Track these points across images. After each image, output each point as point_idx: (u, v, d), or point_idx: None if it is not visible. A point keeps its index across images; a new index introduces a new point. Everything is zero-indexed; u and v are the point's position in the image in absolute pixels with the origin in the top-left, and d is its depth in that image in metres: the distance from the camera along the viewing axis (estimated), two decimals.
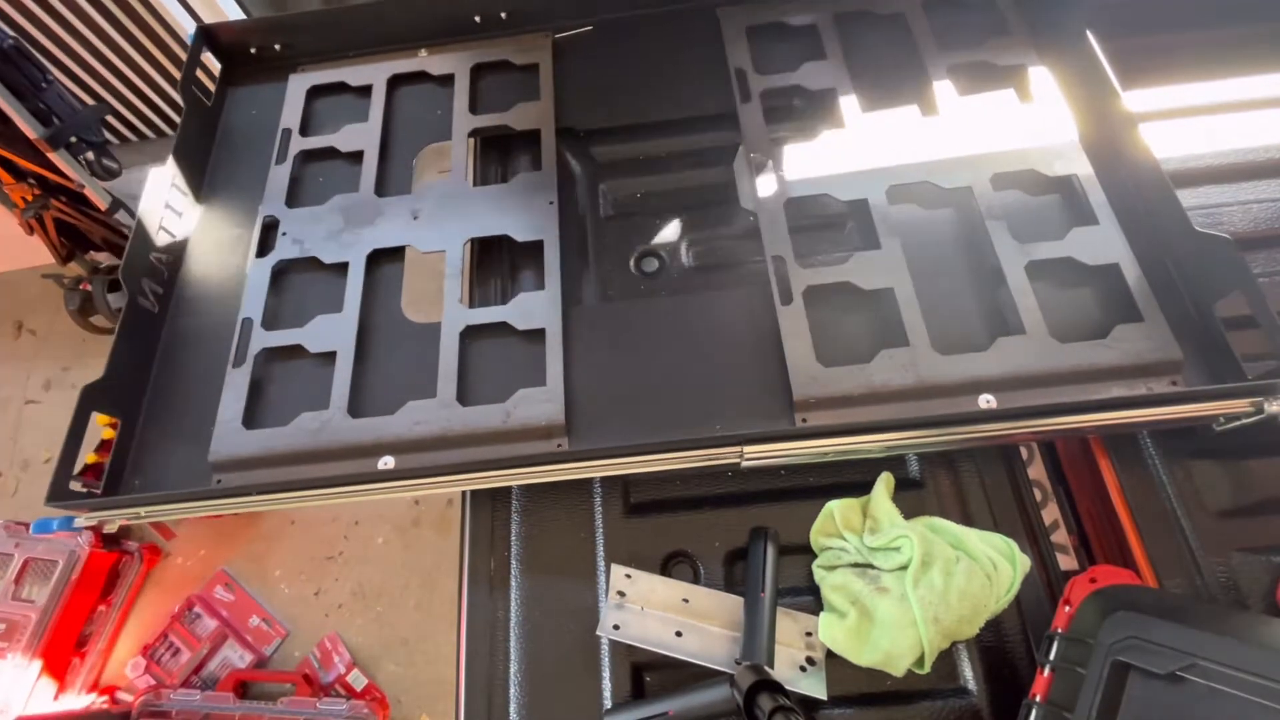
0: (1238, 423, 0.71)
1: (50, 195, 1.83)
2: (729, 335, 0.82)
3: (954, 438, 0.73)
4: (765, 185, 0.89)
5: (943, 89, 0.94)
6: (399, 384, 0.83)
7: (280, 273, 0.93)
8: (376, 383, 0.84)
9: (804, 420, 0.75)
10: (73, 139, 1.66)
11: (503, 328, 0.84)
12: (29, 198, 1.82)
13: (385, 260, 0.92)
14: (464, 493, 0.84)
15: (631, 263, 0.94)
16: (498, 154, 1.04)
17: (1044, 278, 0.80)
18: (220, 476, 0.79)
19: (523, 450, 0.77)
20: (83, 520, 0.75)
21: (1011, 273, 0.79)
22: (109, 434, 0.83)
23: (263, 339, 0.86)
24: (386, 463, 0.77)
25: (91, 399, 0.80)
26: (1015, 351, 0.75)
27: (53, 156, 1.64)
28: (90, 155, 1.72)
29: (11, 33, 1.54)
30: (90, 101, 2.09)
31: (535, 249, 0.89)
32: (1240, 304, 0.71)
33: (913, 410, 0.74)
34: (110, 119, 2.20)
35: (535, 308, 0.85)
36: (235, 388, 0.83)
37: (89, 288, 1.98)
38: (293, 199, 0.98)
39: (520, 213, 0.92)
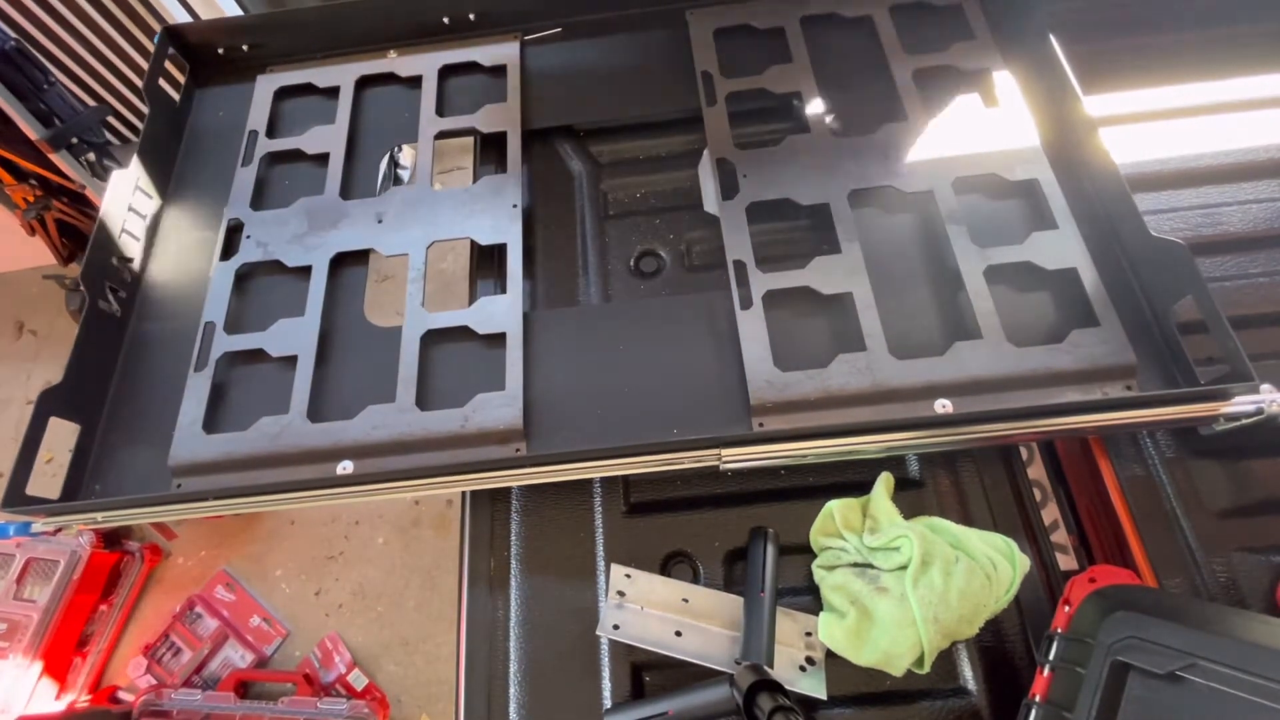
0: (1237, 423, 0.71)
1: (52, 196, 1.84)
2: (690, 340, 0.82)
3: (914, 442, 0.72)
4: (727, 189, 0.89)
5: (908, 93, 0.93)
6: (359, 388, 0.83)
7: (244, 276, 0.92)
8: (337, 387, 0.84)
9: (760, 425, 0.74)
10: (74, 140, 1.67)
11: (464, 332, 0.84)
12: (31, 199, 1.83)
13: (349, 263, 0.92)
14: (464, 493, 0.84)
15: (610, 266, 0.93)
16: (497, 153, 1.04)
17: (1002, 282, 0.79)
18: (180, 481, 0.79)
19: (481, 455, 0.76)
20: (40, 525, 0.75)
21: (970, 277, 0.79)
22: None
23: (225, 343, 0.85)
24: (345, 467, 0.76)
25: (50, 403, 0.79)
26: (971, 356, 0.75)
27: (54, 158, 1.65)
28: (91, 156, 1.73)
29: (13, 34, 1.55)
30: (91, 102, 2.10)
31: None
32: (1196, 309, 0.71)
33: (869, 415, 0.74)
34: (111, 119, 2.20)
35: (496, 312, 0.84)
36: (196, 392, 0.83)
37: None
38: (258, 201, 0.97)
39: (484, 216, 0.91)
